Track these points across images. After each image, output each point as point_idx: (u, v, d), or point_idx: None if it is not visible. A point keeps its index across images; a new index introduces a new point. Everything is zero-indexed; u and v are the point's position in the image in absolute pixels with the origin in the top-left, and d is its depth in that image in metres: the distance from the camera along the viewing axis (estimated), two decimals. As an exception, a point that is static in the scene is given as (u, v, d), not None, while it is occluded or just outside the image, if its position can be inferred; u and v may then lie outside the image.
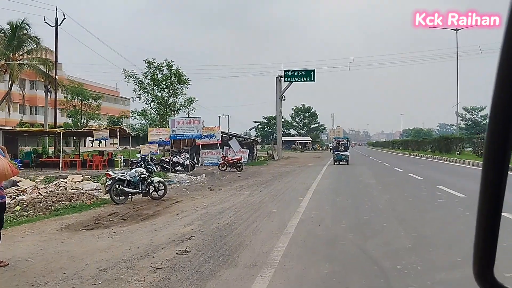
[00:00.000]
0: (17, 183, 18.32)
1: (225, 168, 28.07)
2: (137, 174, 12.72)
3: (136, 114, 35.99)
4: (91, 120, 50.68)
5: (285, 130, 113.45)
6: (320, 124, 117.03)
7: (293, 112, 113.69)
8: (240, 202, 11.86)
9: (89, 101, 49.82)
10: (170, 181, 22.18)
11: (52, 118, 62.82)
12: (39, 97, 63.03)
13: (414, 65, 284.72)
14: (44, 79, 39.07)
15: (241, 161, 27.82)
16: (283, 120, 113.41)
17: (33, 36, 37.82)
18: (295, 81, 43.29)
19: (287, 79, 43.24)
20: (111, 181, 12.17)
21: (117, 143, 63.53)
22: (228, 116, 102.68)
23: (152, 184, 13.12)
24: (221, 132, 35.41)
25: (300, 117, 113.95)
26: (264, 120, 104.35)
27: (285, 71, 43.28)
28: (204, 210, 10.56)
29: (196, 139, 33.98)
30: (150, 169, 13.18)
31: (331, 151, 74.97)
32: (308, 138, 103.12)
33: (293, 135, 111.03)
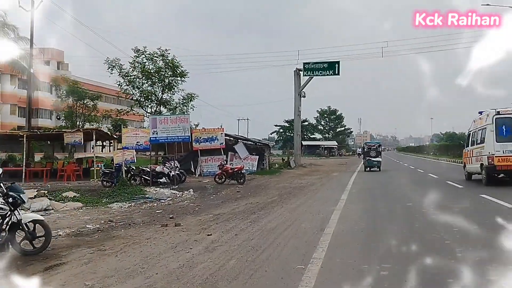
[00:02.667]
0: None
1: (223, 179, 21.94)
2: (-20, 210, 6.54)
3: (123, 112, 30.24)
4: (87, 123, 45.42)
5: (309, 134, 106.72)
6: (346, 128, 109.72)
7: (318, 115, 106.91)
8: (164, 278, 5.48)
9: (84, 102, 44.60)
10: (148, 198, 16.72)
11: (46, 120, 57.93)
12: (41, 99, 58.39)
13: (446, 59, 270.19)
14: (21, 74, 33.73)
15: (242, 171, 21.51)
16: (306, 123, 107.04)
17: (11, 24, 32.56)
18: (317, 75, 36.76)
19: (307, 73, 36.79)
20: None
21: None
22: (247, 119, 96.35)
23: (21, 228, 6.92)
24: (225, 134, 29.20)
25: (326, 120, 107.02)
26: (286, 124, 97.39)
27: (304, 63, 36.84)
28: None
29: (195, 143, 27.98)
30: (14, 200, 6.91)
31: (359, 156, 68.75)
32: (333, 143, 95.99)
33: (319, 140, 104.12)
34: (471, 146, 18.82)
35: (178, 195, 17.94)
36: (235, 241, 7.47)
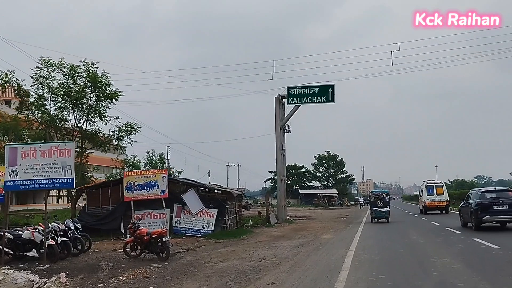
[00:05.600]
0: None
1: (138, 251, 13.37)
2: None
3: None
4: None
5: (307, 182, 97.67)
6: (348, 174, 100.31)
7: (316, 160, 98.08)
8: None
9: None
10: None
11: None
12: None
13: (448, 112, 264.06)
14: None
15: (165, 239, 12.73)
16: (303, 169, 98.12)
17: None
18: (305, 102, 28.69)
19: (293, 100, 28.75)
20: None
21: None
22: (238, 165, 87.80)
23: None
24: (170, 179, 20.66)
25: (324, 167, 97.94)
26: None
27: (289, 88, 28.94)
28: None
29: (127, 191, 19.45)
30: None
31: (361, 207, 59.70)
32: (333, 191, 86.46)
33: (317, 187, 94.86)
34: (420, 196, 40.29)
35: (36, 285, 9.70)
36: None
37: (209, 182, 68.08)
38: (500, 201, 17.71)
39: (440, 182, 36.53)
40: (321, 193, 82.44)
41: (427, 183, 35.94)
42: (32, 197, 46.06)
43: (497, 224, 18.32)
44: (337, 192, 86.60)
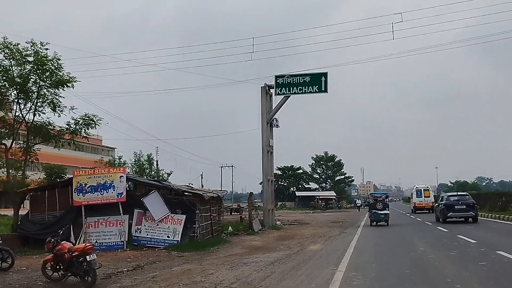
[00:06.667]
0: None
1: (61, 273, 10.14)
2: None
3: None
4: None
5: (304, 184, 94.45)
6: (346, 175, 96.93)
7: (314, 161, 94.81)
8: None
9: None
10: None
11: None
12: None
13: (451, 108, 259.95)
14: None
15: (90, 257, 9.49)
16: (300, 170, 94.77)
17: None
18: (295, 92, 25.56)
19: (281, 91, 25.63)
20: None
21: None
22: (232, 166, 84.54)
23: None
24: (129, 179, 17.50)
25: (322, 168, 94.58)
26: (279, 172, 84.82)
27: (277, 76, 25.88)
28: None
29: (77, 194, 16.42)
30: None
31: (358, 209, 57.00)
32: (331, 193, 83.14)
33: (315, 189, 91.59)
34: (411, 198, 45.84)
35: None
36: None
37: (202, 185, 64.87)
38: (460, 202, 23.79)
39: (427, 187, 42.71)
40: (319, 195, 79.17)
41: (416, 187, 42.54)
42: (4, 201, 42.80)
43: (460, 219, 23.67)
44: (335, 194, 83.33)
